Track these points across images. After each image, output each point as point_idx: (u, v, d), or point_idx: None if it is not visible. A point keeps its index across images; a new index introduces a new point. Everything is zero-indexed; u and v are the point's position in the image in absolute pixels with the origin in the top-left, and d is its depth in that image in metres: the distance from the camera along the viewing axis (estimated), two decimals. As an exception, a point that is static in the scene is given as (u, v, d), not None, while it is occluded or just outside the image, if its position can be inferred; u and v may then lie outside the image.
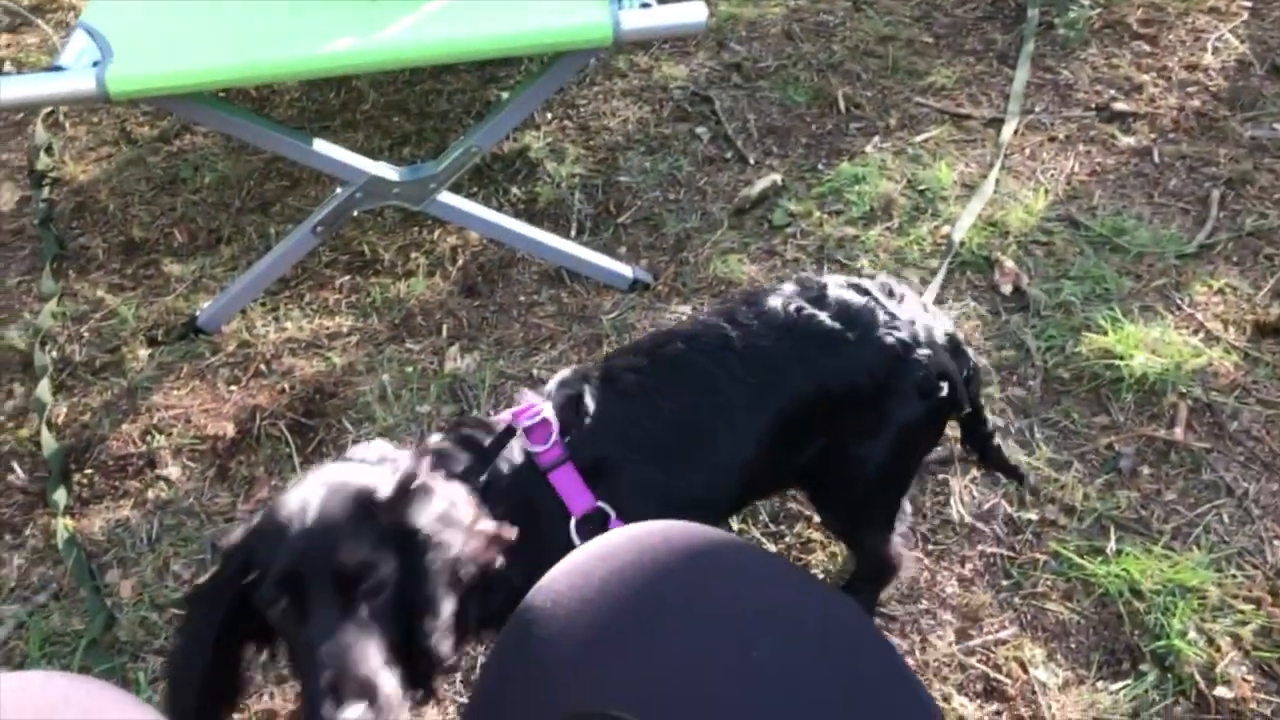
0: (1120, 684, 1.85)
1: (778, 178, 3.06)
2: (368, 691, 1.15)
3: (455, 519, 1.32)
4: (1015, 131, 3.18)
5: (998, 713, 1.82)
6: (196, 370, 2.63)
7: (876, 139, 3.21)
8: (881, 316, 1.60)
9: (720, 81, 3.52)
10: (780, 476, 1.74)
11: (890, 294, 1.66)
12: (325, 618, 1.19)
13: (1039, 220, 2.84)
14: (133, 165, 3.34)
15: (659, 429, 1.54)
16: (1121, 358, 2.38)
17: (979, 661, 1.90)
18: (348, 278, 2.87)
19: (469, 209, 2.70)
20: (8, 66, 3.88)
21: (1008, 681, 1.87)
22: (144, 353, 2.68)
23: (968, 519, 2.13)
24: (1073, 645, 1.93)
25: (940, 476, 2.21)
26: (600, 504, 1.48)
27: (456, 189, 2.78)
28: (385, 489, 1.29)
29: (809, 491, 1.82)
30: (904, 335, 1.60)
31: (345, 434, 2.41)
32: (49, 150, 3.40)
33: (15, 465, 2.41)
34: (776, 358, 1.56)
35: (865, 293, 1.64)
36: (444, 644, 1.25)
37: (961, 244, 2.76)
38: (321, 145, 2.53)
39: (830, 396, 1.58)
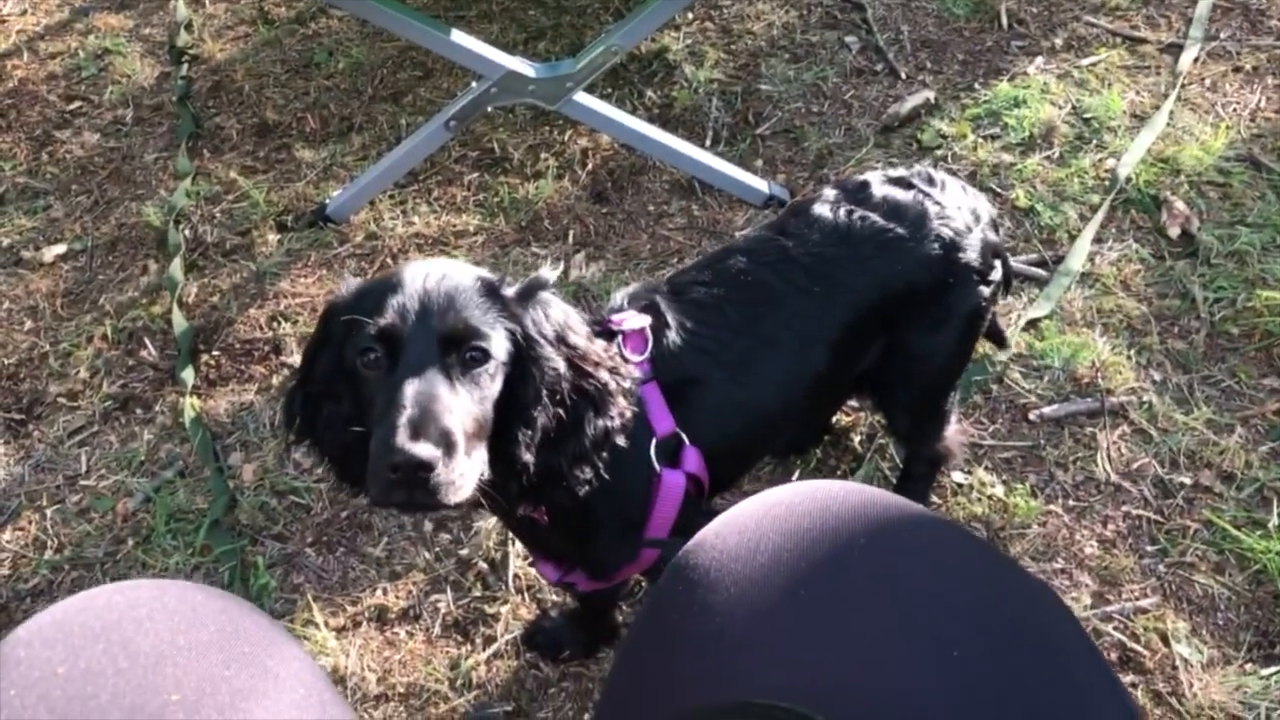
0: (1272, 669, 1.72)
1: (930, 95, 2.87)
2: (447, 440, 1.11)
3: (570, 338, 1.29)
4: (1195, 59, 2.92)
5: (1133, 685, 1.72)
6: (324, 259, 2.62)
7: (1040, 59, 2.98)
8: (932, 208, 1.58)
9: (874, -12, 3.31)
10: (845, 384, 1.72)
11: (931, 182, 1.64)
12: (420, 366, 1.15)
13: (1216, 159, 2.61)
14: (269, 46, 3.31)
15: (731, 344, 1.51)
16: (1300, 316, 2.19)
17: (1116, 629, 1.79)
18: (476, 175, 2.81)
19: (604, 111, 2.60)
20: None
21: (1146, 654, 1.75)
22: (273, 237, 2.68)
23: (1114, 477, 2.00)
24: (1220, 622, 1.80)
25: (1088, 430, 2.07)
26: (678, 430, 1.47)
27: (590, 89, 2.68)
28: (511, 285, 1.27)
29: (874, 397, 1.79)
30: (957, 224, 1.59)
31: (467, 335, 2.37)
32: (189, 27, 3.39)
33: (147, 341, 2.44)
34: (836, 263, 1.55)
35: (910, 185, 1.62)
36: (527, 454, 1.23)
37: (1128, 180, 2.56)
38: (459, 36, 2.45)
39: (893, 296, 1.57)
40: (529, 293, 1.27)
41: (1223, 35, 3.01)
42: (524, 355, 1.23)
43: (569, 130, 2.89)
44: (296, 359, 2.37)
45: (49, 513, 2.13)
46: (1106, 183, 2.57)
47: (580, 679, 1.80)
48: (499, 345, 1.20)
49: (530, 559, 1.82)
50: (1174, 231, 2.43)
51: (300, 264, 2.61)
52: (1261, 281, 2.30)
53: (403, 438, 1.08)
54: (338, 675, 1.82)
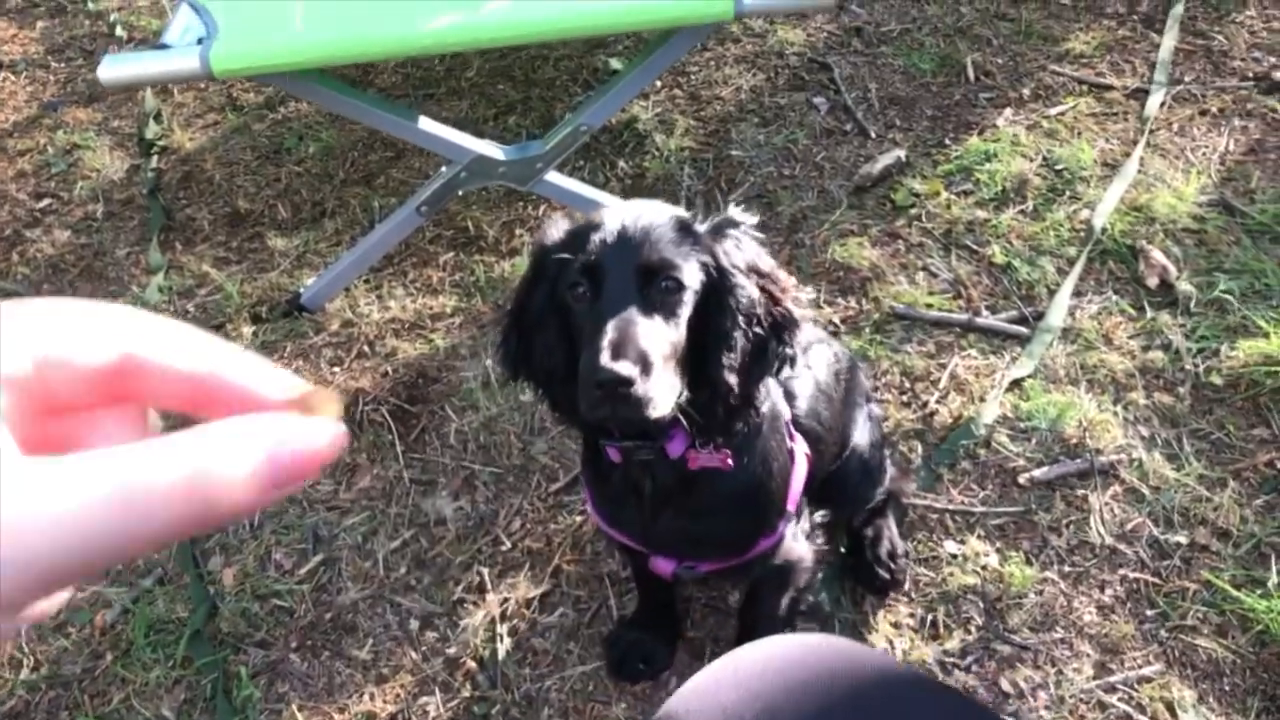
0: (1281, 735, 1.69)
1: (901, 153, 2.88)
2: (645, 361, 1.20)
3: (762, 267, 1.36)
4: (1162, 104, 2.93)
5: (1142, 760, 1.68)
6: (300, 349, 2.59)
7: (1009, 111, 3.00)
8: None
9: (839, 47, 3.33)
10: None
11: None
12: (621, 297, 1.24)
13: (1189, 206, 2.61)
14: (238, 133, 3.30)
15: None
16: (1284, 363, 2.17)
17: (1120, 700, 1.75)
18: (451, 254, 2.80)
19: (575, 189, 2.59)
20: (119, 30, 3.88)
21: (1153, 725, 1.72)
22: (248, 330, 2.65)
23: (1109, 540, 1.97)
24: (1226, 688, 1.76)
25: (1079, 491, 2.04)
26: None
27: (561, 166, 2.67)
28: (703, 223, 1.35)
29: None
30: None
31: (448, 422, 2.34)
32: (157, 117, 3.39)
33: (122, 444, 2.40)
34: None
35: None
36: (730, 376, 1.30)
37: (1103, 231, 2.55)
38: (426, 123, 2.44)
39: None
40: (720, 228, 1.35)
41: (1187, 79, 3.03)
42: (718, 284, 1.31)
43: (543, 205, 2.88)
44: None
45: (24, 629, 2.08)
46: (1082, 234, 2.57)
47: (576, 781, 1.75)
48: (692, 275, 1.28)
49: (628, 567, 1.86)
50: (1152, 282, 2.43)
51: (276, 355, 2.58)
52: (1243, 330, 2.28)
53: (605, 358, 1.18)
54: (326, 791, 1.76)
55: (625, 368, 1.18)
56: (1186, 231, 2.55)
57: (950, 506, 2.04)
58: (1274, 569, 1.89)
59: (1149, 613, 1.87)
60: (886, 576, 1.91)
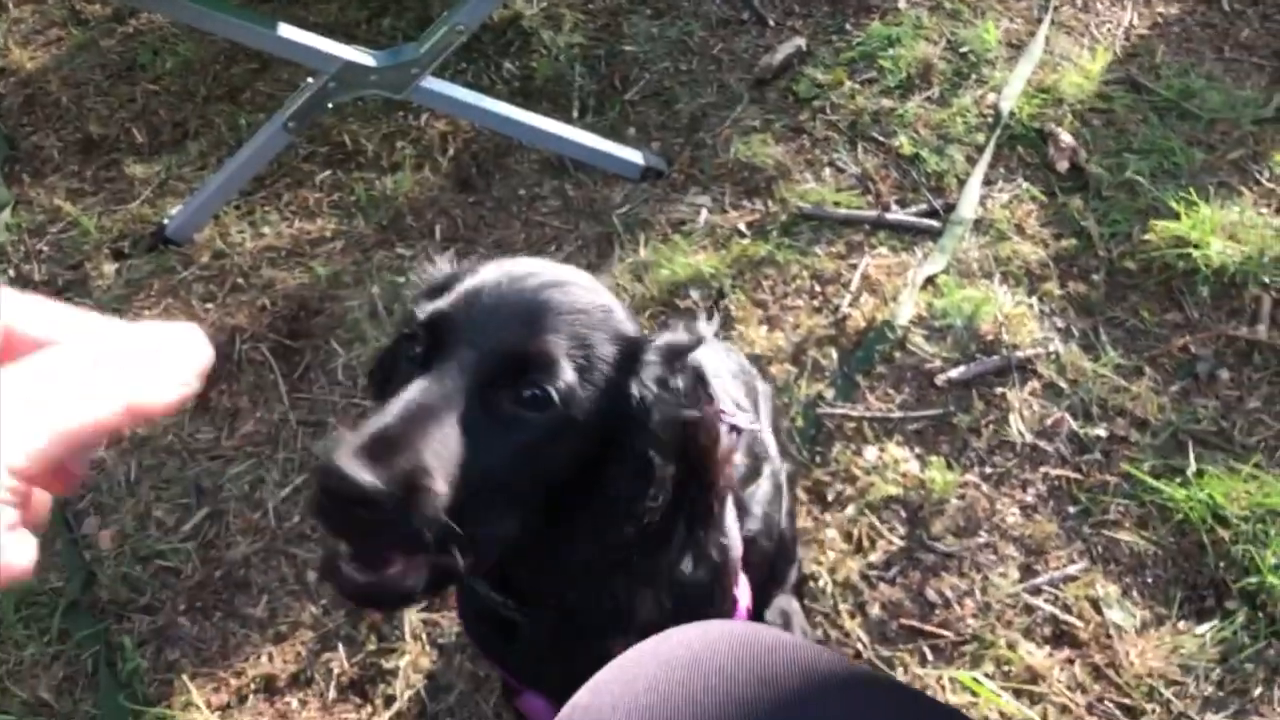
0: (1205, 625, 1.67)
1: (801, 42, 2.73)
2: (410, 481, 0.81)
3: (697, 446, 0.97)
4: (1065, -21, 2.83)
5: (1069, 660, 1.65)
6: (168, 286, 2.39)
7: (910, -7, 2.86)
8: None
9: (732, -70, 3.14)
10: None
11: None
12: (450, 378, 0.86)
13: (1096, 85, 2.53)
14: (85, 50, 3.01)
15: None
16: (1195, 245, 2.12)
17: (1046, 602, 1.72)
18: (329, 173, 2.60)
19: (457, 94, 2.41)
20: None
21: (1079, 624, 1.69)
22: (110, 268, 2.44)
23: (1029, 437, 1.92)
24: (1149, 580, 1.74)
25: (998, 390, 1.98)
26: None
27: (442, 69, 2.47)
28: (656, 336, 0.97)
29: None
30: None
31: (334, 357, 2.18)
32: (-9, 36, 3.07)
33: (-24, 402, 2.20)
34: None
35: None
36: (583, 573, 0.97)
37: (1011, 115, 2.46)
38: (287, 30, 2.22)
39: None
40: (672, 356, 0.95)
41: (1090, -49, 2.92)
42: (624, 434, 0.92)
43: (425, 115, 2.68)
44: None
45: (-119, 613, 1.90)
46: (990, 120, 2.48)
47: (493, 730, 1.67)
48: (576, 399, 0.88)
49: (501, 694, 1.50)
50: (1063, 166, 2.35)
51: (143, 294, 2.37)
52: (1154, 211, 2.23)
53: (345, 452, 0.80)
54: (225, 763, 1.65)
55: (367, 476, 0.78)
56: (1095, 112, 2.47)
57: (867, 414, 1.97)
58: (1191, 456, 1.86)
59: (1071, 510, 1.83)
60: None
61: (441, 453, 0.83)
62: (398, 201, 2.49)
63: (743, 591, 1.23)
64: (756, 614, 1.60)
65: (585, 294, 0.95)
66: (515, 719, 1.59)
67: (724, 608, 1.18)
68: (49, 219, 2.56)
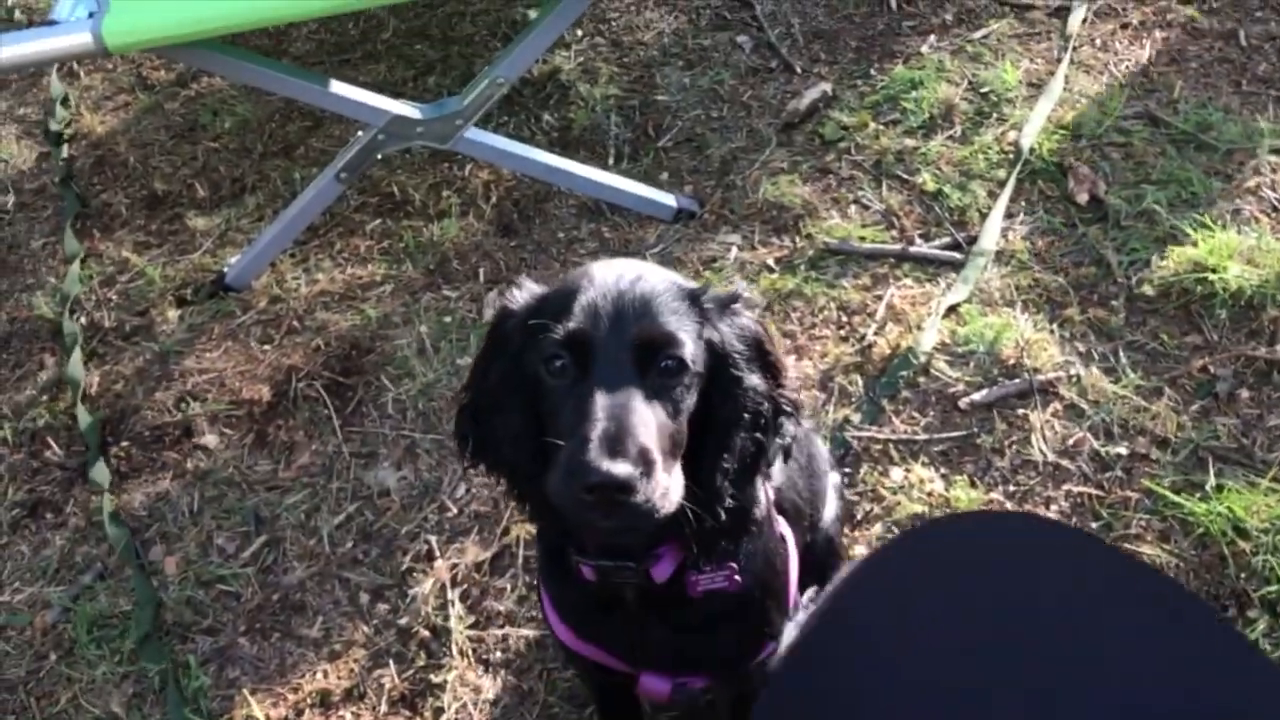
0: (1227, 634, 1.70)
1: (827, 87, 2.85)
2: (645, 459, 1.01)
3: (766, 350, 1.19)
4: (1083, 20, 2.92)
5: (1093, 670, 1.69)
6: (228, 330, 2.52)
7: (932, 38, 2.97)
8: None
9: (760, -16, 3.28)
10: None
11: None
12: (614, 376, 1.06)
13: (1114, 120, 2.61)
14: (150, 113, 3.20)
15: None
16: (1214, 270, 2.18)
17: (1070, 614, 1.77)
18: (378, 221, 2.74)
19: (499, 144, 2.54)
20: (17, 15, 3.73)
21: (1103, 635, 1.73)
22: (173, 314, 2.58)
23: (1051, 456, 1.98)
24: (1172, 592, 1.78)
25: (1020, 411, 2.05)
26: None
27: (485, 121, 2.61)
28: (711, 294, 1.17)
29: None
30: None
31: (384, 392, 2.30)
32: (65, 102, 3.27)
33: (51, 440, 2.34)
34: None
35: None
36: (725, 482, 1.14)
37: (1031, 151, 2.55)
38: (339, 86, 2.37)
39: None
40: (727, 302, 1.18)
41: (1107, -7, 3.02)
42: (720, 371, 1.14)
43: (469, 164, 2.82)
44: (209, 440, 2.28)
45: (-37, 637, 2.02)
46: (1011, 156, 2.56)
47: (536, 740, 1.74)
48: (696, 355, 1.11)
49: (615, 677, 1.49)
50: (1082, 198, 2.43)
51: (204, 338, 2.51)
52: (1172, 239, 2.29)
53: (596, 454, 1.00)
54: (283, 772, 1.74)
55: (624, 469, 0.99)
56: (1113, 146, 2.55)
57: (893, 436, 2.04)
58: (1211, 472, 1.91)
59: (1094, 525, 1.88)
60: None
61: (649, 430, 1.04)
62: (444, 247, 2.62)
63: (786, 531, 1.40)
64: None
65: (658, 277, 1.15)
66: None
67: (773, 538, 1.34)
68: (117, 270, 2.71)
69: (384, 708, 1.82)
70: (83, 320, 2.59)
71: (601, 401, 1.04)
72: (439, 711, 1.79)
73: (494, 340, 1.19)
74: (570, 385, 1.08)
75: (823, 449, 1.76)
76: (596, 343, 1.08)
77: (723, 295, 1.18)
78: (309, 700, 1.84)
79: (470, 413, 1.22)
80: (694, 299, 1.15)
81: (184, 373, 2.43)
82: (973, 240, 2.38)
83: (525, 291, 1.18)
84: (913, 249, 2.38)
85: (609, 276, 1.13)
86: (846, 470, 1.99)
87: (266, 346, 2.47)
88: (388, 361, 2.36)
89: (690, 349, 1.10)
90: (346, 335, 2.45)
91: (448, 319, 2.43)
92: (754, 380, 1.15)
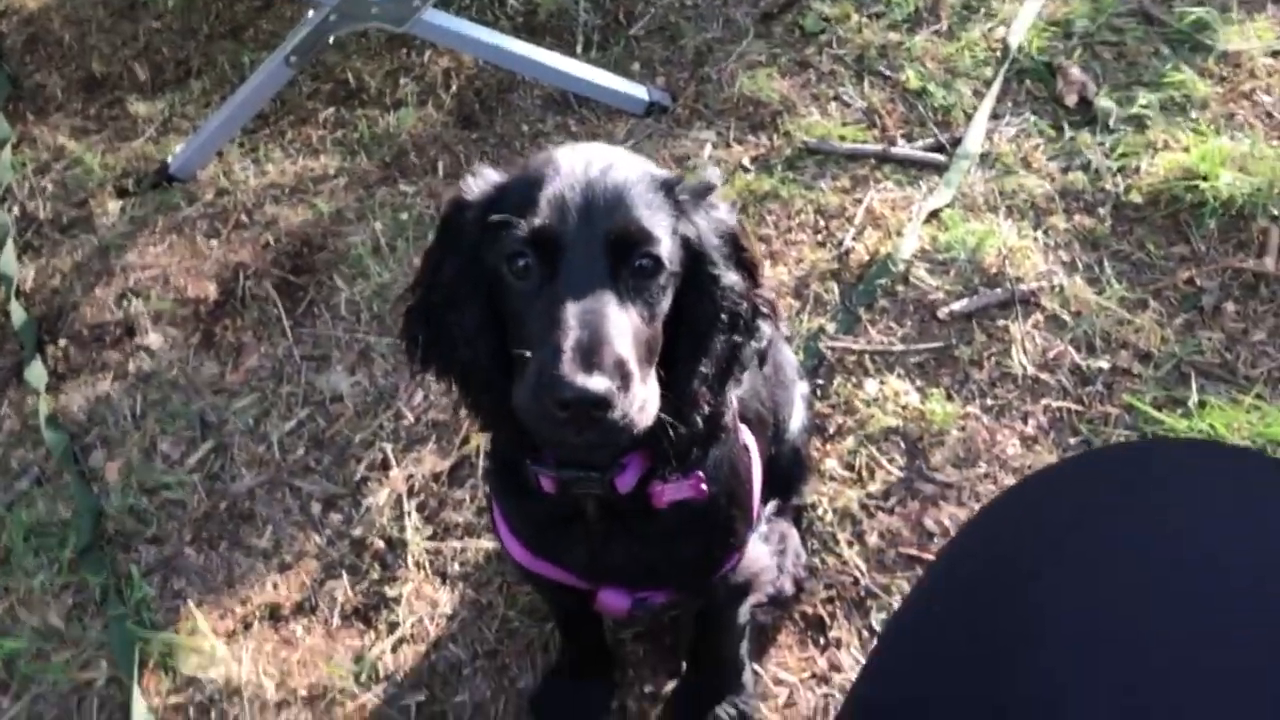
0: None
1: (808, -25, 2.69)
2: (622, 370, 0.94)
3: (742, 246, 1.10)
4: (1079, -91, 2.77)
5: (1066, 589, 1.65)
6: (172, 224, 2.39)
7: (920, -75, 2.81)
8: None
9: None
10: None
11: None
12: (585, 277, 0.97)
13: (1107, 17, 2.48)
14: (86, -12, 2.99)
15: None
16: (1204, 177, 2.09)
17: (1045, 532, 1.72)
18: (331, 110, 2.59)
19: (459, 28, 2.39)
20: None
21: (1077, 554, 1.69)
22: (114, 205, 2.44)
23: (1030, 370, 1.91)
24: (1149, 510, 1.74)
25: (1000, 322, 1.97)
26: None
27: (445, 4, 2.45)
28: (685, 185, 1.07)
29: None
30: None
31: (337, 292, 2.19)
32: (-7, -26, 3.05)
33: (-17, 338, 2.22)
34: None
35: None
36: (704, 389, 1.07)
37: (1019, 49, 2.43)
38: (284, -40, 2.20)
39: None
40: (702, 194, 1.07)
41: (1104, -119, 2.86)
42: (696, 269, 1.05)
43: (428, 50, 2.66)
44: (152, 340, 2.16)
45: (-106, 543, 1.93)
46: (998, 54, 2.44)
47: (496, 656, 1.68)
48: (672, 252, 1.02)
49: (574, 590, 1.42)
50: (1071, 100, 2.32)
51: (147, 232, 2.38)
52: (1163, 145, 2.20)
53: (569, 367, 0.91)
54: (231, 687, 1.68)
55: (600, 383, 0.91)
56: (1105, 45, 2.44)
57: (869, 347, 1.96)
58: (1194, 388, 1.85)
59: (1072, 441, 1.83)
60: (792, 591, 1.62)
61: (624, 339, 0.96)
62: (400, 138, 2.48)
63: (749, 440, 1.32)
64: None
65: (630, 164, 1.05)
66: (568, 638, 1.60)
67: (735, 446, 1.27)
68: (53, 157, 2.56)
69: (336, 621, 1.75)
70: (15, 211, 2.44)
71: (573, 308, 0.95)
72: (394, 625, 1.73)
73: (448, 233, 1.09)
74: (537, 287, 0.99)
75: (791, 357, 1.69)
76: (565, 240, 0.99)
77: (698, 186, 1.08)
78: (258, 613, 1.77)
79: (421, 312, 1.11)
80: (668, 190, 1.05)
81: (125, 268, 2.30)
82: (957, 142, 2.27)
83: (483, 180, 1.07)
84: (894, 150, 2.28)
85: (577, 164, 1.02)
86: (819, 381, 1.92)
87: (213, 241, 2.34)
88: (341, 260, 2.25)
89: (667, 246, 1.01)
90: (297, 231, 2.32)
91: (404, 215, 2.31)
92: (732, 279, 1.07)
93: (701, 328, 1.06)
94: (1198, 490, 0.68)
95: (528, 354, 0.98)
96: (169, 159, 2.47)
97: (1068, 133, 2.27)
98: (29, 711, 1.69)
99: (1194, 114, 2.24)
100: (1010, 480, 1.78)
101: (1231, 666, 0.56)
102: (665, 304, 1.03)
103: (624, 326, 0.96)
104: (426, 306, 1.10)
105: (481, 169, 1.09)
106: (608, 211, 0.99)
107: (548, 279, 0.99)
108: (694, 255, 1.05)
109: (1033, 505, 0.74)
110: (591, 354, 0.92)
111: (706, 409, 1.08)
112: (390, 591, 1.77)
